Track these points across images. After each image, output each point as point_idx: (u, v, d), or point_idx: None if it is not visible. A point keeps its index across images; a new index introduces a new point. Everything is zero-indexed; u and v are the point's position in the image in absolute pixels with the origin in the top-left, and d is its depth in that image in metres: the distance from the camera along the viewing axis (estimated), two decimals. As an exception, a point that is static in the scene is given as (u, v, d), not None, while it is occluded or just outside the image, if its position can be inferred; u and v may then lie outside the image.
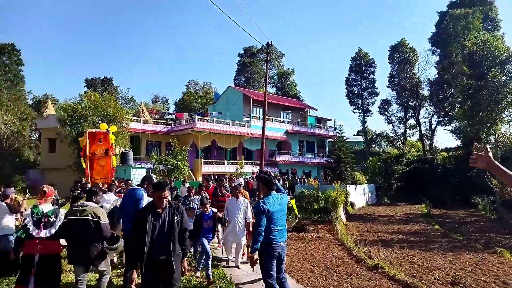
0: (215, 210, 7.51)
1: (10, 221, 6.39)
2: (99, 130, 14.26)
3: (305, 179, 28.72)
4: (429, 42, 44.98)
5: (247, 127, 34.33)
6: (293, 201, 15.88)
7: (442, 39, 41.01)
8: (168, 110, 55.41)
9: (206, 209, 7.17)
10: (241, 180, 18.82)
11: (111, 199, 7.75)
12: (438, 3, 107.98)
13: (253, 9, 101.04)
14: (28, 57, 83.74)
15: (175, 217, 3.88)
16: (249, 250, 5.14)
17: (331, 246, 13.17)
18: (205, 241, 6.84)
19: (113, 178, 13.30)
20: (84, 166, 13.45)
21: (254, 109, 36.23)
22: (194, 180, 25.48)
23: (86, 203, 4.83)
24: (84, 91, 50.18)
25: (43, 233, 4.59)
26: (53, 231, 4.65)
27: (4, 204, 6.24)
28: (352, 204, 25.29)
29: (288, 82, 58.84)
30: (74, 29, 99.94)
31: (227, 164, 32.32)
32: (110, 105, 23.51)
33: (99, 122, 22.62)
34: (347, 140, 34.49)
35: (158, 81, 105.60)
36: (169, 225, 3.83)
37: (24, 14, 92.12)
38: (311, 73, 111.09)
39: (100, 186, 9.53)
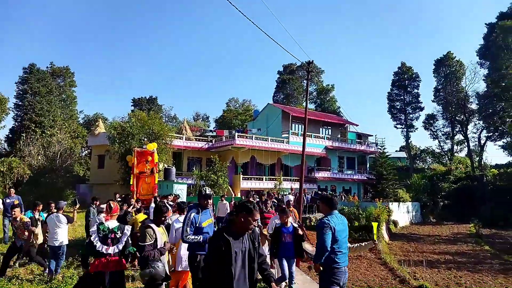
0: (295, 224, 6.50)
1: (66, 231, 6.93)
2: (146, 150, 14.93)
3: (344, 196, 28.21)
4: (477, 55, 43.32)
5: (286, 143, 34.45)
6: (375, 224, 15.57)
7: (491, 51, 39.26)
8: (208, 127, 56.83)
9: (286, 222, 6.12)
10: (291, 197, 18.54)
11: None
12: (485, 15, 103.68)
13: (293, 26, 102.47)
14: (80, 78, 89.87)
15: (255, 242, 3.31)
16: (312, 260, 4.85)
17: (373, 265, 12.82)
18: (284, 263, 5.93)
19: (155, 194, 13.77)
20: (131, 183, 14.14)
21: (293, 125, 36.35)
22: (233, 196, 25.83)
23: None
24: (131, 110, 53.13)
25: (111, 250, 4.60)
26: (120, 247, 4.67)
27: (62, 215, 6.79)
28: (395, 223, 24.44)
29: (327, 98, 58.57)
30: (122, 52, 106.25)
31: (266, 180, 32.49)
32: (155, 123, 24.65)
33: (145, 139, 23.80)
34: (389, 156, 33.57)
35: (199, 99, 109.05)
36: (250, 251, 3.26)
37: (78, 41, 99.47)
38: (352, 89, 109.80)
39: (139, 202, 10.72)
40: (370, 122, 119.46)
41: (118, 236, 4.70)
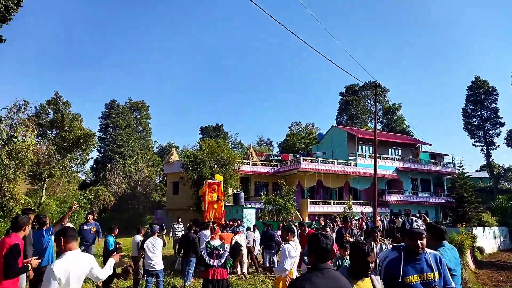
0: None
1: (161, 255, 7.41)
2: (215, 181, 16.91)
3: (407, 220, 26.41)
4: None
5: (353, 166, 33.63)
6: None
7: None
8: (272, 152, 57.55)
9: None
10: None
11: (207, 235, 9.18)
12: None
13: (353, 44, 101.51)
14: (153, 111, 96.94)
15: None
16: None
17: (460, 296, 11.83)
18: None
19: (223, 219, 15.45)
20: (203, 208, 16.43)
21: (360, 147, 35.47)
22: (301, 221, 25.65)
23: None
24: (199, 138, 56.05)
25: (216, 263, 5.96)
26: (222, 260, 6.02)
27: (160, 239, 7.43)
28: (481, 249, 22.27)
29: (394, 118, 56.40)
30: (190, 86, 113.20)
31: (334, 204, 31.82)
32: (224, 151, 25.78)
33: (216, 166, 24.96)
34: (470, 176, 31.04)
35: (262, 125, 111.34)
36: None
37: (148, 78, 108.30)
38: (420, 107, 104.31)
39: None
40: (443, 141, 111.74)
41: (221, 252, 6.05)
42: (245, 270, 9.91)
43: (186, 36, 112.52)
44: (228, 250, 6.24)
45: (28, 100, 19.66)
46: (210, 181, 17.17)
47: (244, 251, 9.15)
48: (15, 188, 18.21)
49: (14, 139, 18.07)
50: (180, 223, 16.32)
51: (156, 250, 7.13)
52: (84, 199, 26.48)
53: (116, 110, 44.63)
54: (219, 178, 17.18)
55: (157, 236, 7.34)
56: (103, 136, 42.84)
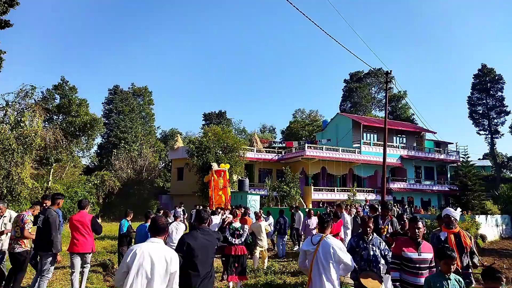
0: None
1: None
2: (221, 168, 17.38)
3: (411, 208, 26.70)
4: None
5: (358, 153, 33.67)
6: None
7: None
8: (275, 139, 57.59)
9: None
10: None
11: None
12: None
13: (358, 30, 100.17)
14: (156, 97, 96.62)
15: None
16: None
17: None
18: None
19: (229, 204, 16.03)
20: (209, 195, 17.00)
21: (365, 134, 35.43)
22: (305, 207, 25.85)
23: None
24: (202, 124, 56.04)
25: (237, 241, 7.19)
26: (242, 239, 7.25)
27: (182, 224, 7.84)
28: (483, 237, 22.38)
29: (399, 105, 56.15)
30: (192, 72, 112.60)
31: (337, 191, 32.00)
32: (229, 137, 25.81)
33: (220, 152, 25.03)
34: (474, 165, 31.04)
35: (265, 111, 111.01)
36: None
37: (151, 63, 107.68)
38: (425, 94, 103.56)
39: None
40: (448, 129, 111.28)
41: (241, 233, 7.28)
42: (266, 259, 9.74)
43: (190, 23, 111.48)
44: (247, 230, 7.48)
45: (35, 85, 19.65)
46: (216, 168, 17.47)
47: (264, 239, 9.31)
48: (23, 172, 18.37)
49: (21, 124, 18.14)
50: (182, 207, 16.95)
51: (178, 234, 7.59)
52: (90, 184, 26.70)
53: (119, 95, 44.57)
54: (225, 166, 17.72)
55: (180, 221, 7.96)
56: (106, 121, 42.91)
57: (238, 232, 7.22)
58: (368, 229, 4.78)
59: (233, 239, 7.15)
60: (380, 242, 4.86)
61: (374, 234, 4.94)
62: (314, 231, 10.22)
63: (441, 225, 5.56)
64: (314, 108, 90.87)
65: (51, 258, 5.87)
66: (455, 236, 5.14)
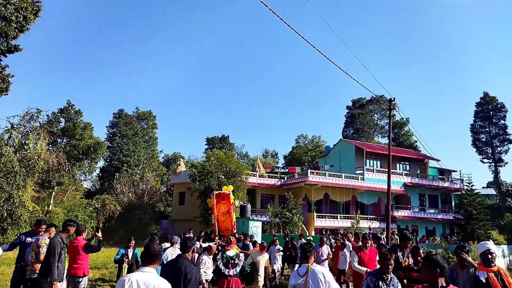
0: None
1: None
2: (223, 192, 16.38)
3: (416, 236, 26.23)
4: None
5: (361, 180, 33.43)
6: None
7: None
8: (277, 164, 57.42)
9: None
10: None
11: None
12: None
13: (362, 58, 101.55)
14: (160, 120, 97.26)
15: None
16: None
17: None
18: None
19: (234, 231, 14.76)
20: (212, 222, 15.76)
21: (368, 161, 35.30)
22: (308, 234, 25.41)
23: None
24: (205, 148, 56.10)
25: (232, 272, 6.24)
26: (238, 270, 6.31)
27: (178, 250, 7.56)
28: (492, 269, 21.89)
29: (402, 132, 56.26)
30: (196, 97, 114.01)
31: (340, 218, 31.56)
32: (232, 162, 25.76)
33: (223, 177, 24.90)
34: (478, 193, 30.73)
35: (268, 136, 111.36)
36: None
37: (157, 89, 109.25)
38: (428, 122, 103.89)
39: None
40: (451, 157, 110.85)
41: (236, 262, 6.31)
42: None
43: (195, 49, 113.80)
44: (243, 259, 6.47)
45: (40, 108, 19.88)
46: (218, 191, 16.82)
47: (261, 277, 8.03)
48: (24, 195, 18.29)
49: (25, 147, 18.22)
50: (191, 233, 15.94)
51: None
52: (91, 208, 26.51)
53: (124, 119, 44.97)
54: (226, 189, 16.77)
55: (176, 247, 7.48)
56: (110, 145, 43.05)
57: (232, 261, 6.29)
58: (390, 266, 4.12)
59: (227, 270, 6.22)
60: (398, 283, 4.20)
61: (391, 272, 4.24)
62: (326, 262, 9.53)
63: (460, 260, 4.86)
64: (317, 134, 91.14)
65: (46, 286, 5.71)
66: (495, 275, 4.35)
